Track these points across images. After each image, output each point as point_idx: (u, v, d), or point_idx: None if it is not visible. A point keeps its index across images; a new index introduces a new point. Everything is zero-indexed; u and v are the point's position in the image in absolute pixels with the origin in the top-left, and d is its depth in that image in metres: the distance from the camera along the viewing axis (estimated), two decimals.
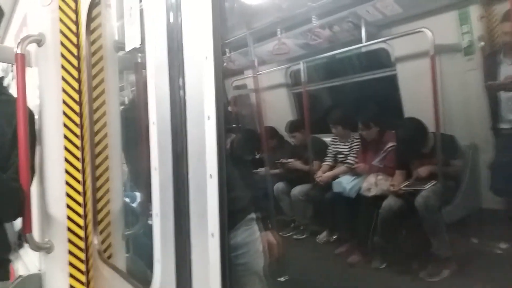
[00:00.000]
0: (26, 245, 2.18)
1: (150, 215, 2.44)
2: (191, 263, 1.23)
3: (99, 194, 2.25)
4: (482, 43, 3.11)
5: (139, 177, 2.47)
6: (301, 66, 4.71)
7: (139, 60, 2.22)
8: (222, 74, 1.06)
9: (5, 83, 2.24)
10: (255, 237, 1.84)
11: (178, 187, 1.29)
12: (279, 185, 4.73)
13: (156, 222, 1.41)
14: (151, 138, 1.42)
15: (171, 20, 1.29)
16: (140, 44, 1.54)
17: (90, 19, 2.16)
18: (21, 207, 1.96)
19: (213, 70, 1.07)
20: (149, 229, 2.43)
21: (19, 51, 2.03)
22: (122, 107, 2.45)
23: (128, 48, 1.64)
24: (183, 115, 1.25)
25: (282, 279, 3.32)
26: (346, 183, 4.02)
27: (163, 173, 1.37)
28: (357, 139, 4.12)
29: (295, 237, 4.48)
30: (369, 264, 3.45)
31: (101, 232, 2.24)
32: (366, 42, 3.82)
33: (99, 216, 2.24)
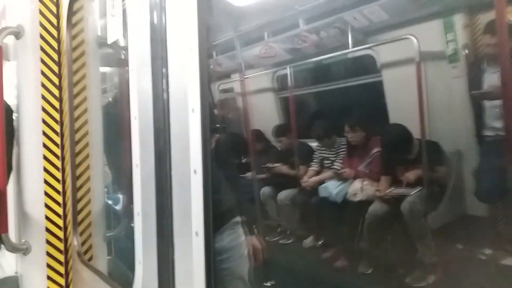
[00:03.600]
0: (1, 246, 2.09)
1: (132, 216, 2.39)
2: (174, 263, 1.17)
3: (79, 194, 2.17)
4: (466, 51, 3.12)
5: (122, 177, 2.40)
6: (287, 70, 4.68)
7: (122, 56, 2.15)
8: (207, 65, 1.01)
9: None
10: (240, 241, 1.80)
11: (161, 185, 1.23)
12: (265, 189, 4.69)
13: (137, 221, 1.35)
14: (132, 133, 1.36)
15: (154, 10, 1.23)
16: (123, 36, 1.48)
17: (71, 12, 2.09)
18: None
19: (198, 61, 1.02)
20: (131, 230, 2.36)
21: None
22: (104, 104, 2.38)
23: (110, 40, 1.58)
24: (166, 109, 1.20)
25: (268, 284, 3.27)
26: (332, 188, 4.00)
27: (145, 170, 1.31)
28: (343, 144, 4.11)
29: (281, 241, 4.45)
30: (356, 269, 3.42)
31: (81, 233, 2.16)
32: (352, 48, 3.82)
33: (80, 217, 2.16)
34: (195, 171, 1.05)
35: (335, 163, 4.28)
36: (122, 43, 1.97)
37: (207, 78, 1.01)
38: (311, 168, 4.55)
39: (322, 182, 4.26)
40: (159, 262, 1.24)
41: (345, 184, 4.01)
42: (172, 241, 1.18)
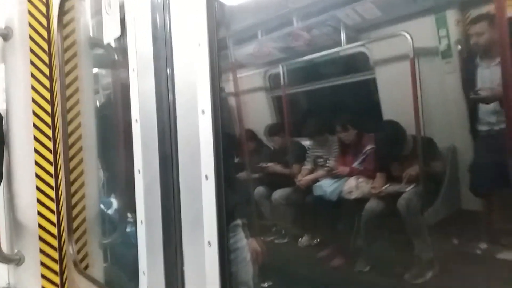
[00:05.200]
0: None
1: (129, 222, 2.31)
2: (184, 275, 1.11)
3: (73, 200, 2.08)
4: (459, 47, 3.11)
5: (118, 182, 2.32)
6: (280, 69, 4.63)
7: (118, 56, 2.07)
8: (218, 62, 0.95)
9: None
10: (242, 244, 1.73)
11: (166, 191, 1.16)
12: (259, 189, 4.63)
13: (141, 230, 1.28)
14: (134, 137, 1.29)
15: (156, 6, 1.16)
16: (120, 35, 1.40)
17: (62, 12, 2.00)
18: None
19: (208, 58, 0.95)
20: (129, 237, 2.28)
21: None
22: (98, 106, 2.30)
23: (107, 40, 1.50)
24: (171, 111, 1.13)
25: (265, 285, 3.21)
26: (326, 187, 3.96)
27: (148, 176, 1.24)
28: (336, 142, 4.07)
29: (276, 241, 4.39)
30: (353, 267, 3.39)
31: (76, 241, 2.08)
32: (345, 45, 3.78)
33: (74, 224, 2.07)
34: (206, 177, 0.99)
35: (328, 161, 4.24)
36: (118, 43, 1.89)
37: (218, 76, 0.94)
38: (304, 166, 4.51)
39: (316, 180, 4.22)
40: (167, 273, 1.17)
41: (339, 182, 3.97)
42: (181, 251, 1.12)
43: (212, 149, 0.97)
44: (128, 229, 2.29)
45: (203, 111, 0.99)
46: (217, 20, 0.95)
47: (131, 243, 2.24)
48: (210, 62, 0.95)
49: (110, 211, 2.66)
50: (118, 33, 1.43)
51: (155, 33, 1.16)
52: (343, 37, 3.91)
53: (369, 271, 3.46)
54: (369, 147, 3.91)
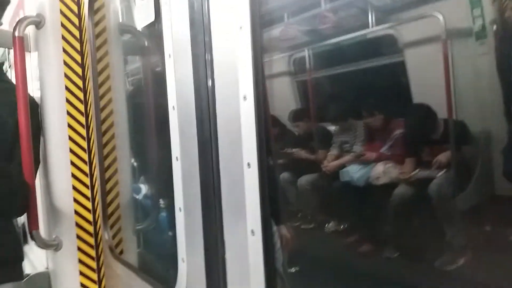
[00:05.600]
0: (32, 243, 2.05)
1: (161, 208, 2.32)
2: (225, 263, 1.09)
3: (107, 187, 2.11)
4: (494, 27, 2.97)
5: (151, 168, 2.33)
6: (305, 52, 4.54)
7: (151, 41, 2.05)
8: (261, 46, 0.91)
9: (4, 69, 2.07)
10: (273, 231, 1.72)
11: (206, 179, 1.15)
12: (285, 175, 4.61)
13: (179, 217, 1.27)
14: (171, 124, 1.28)
15: None
16: (155, 20, 1.38)
17: None
18: (27, 202, 1.82)
19: (251, 42, 0.92)
20: (161, 223, 2.30)
21: (17, 34, 1.86)
22: (130, 93, 2.30)
23: (140, 25, 1.48)
24: (210, 97, 1.10)
25: (292, 270, 3.21)
26: (353, 172, 3.90)
27: (186, 163, 1.23)
28: (363, 127, 3.99)
29: (302, 227, 4.37)
30: (381, 253, 3.34)
31: (111, 227, 2.10)
32: (373, 27, 3.67)
33: (109, 210, 2.10)
34: (249, 165, 0.96)
35: (354, 147, 4.17)
36: (151, 28, 1.87)
37: (261, 61, 0.90)
38: (330, 152, 4.45)
39: (343, 166, 4.16)
40: (207, 261, 1.16)
41: (367, 168, 3.91)
42: (222, 239, 1.10)
43: (255, 137, 0.94)
44: (160, 215, 2.31)
45: (244, 97, 0.96)
46: (260, 1, 0.91)
47: (164, 229, 2.26)
48: (253, 46, 0.91)
49: (140, 197, 2.68)
50: (152, 17, 1.41)
51: (193, 16, 1.13)
52: (371, 19, 3.78)
53: (397, 258, 3.41)
54: (397, 131, 3.81)
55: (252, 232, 0.97)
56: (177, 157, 1.26)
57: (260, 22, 0.92)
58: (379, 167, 3.95)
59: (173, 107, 1.25)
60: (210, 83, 1.10)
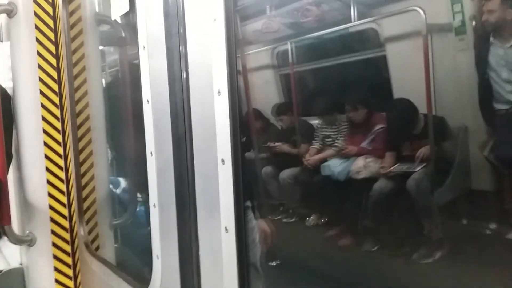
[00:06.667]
0: (4, 238, 1.99)
1: (139, 202, 2.29)
2: (199, 260, 1.08)
3: (83, 181, 2.06)
4: (474, 23, 3.00)
5: (128, 162, 2.28)
6: (288, 46, 4.52)
7: (127, 33, 2.00)
8: (236, 39, 0.89)
9: None
10: (252, 226, 1.70)
11: (180, 175, 1.12)
12: (267, 169, 4.60)
13: (154, 213, 1.25)
14: (145, 119, 1.24)
15: None
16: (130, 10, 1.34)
17: None
18: None
19: (225, 35, 0.89)
20: (138, 218, 2.26)
21: None
22: (107, 86, 2.25)
23: (115, 15, 1.44)
24: (185, 91, 1.07)
25: (273, 263, 3.21)
26: (334, 166, 3.92)
27: (161, 158, 1.20)
28: (345, 122, 4.00)
29: (284, 220, 4.38)
30: (360, 246, 3.38)
31: (87, 222, 2.06)
32: (355, 21, 3.66)
33: (85, 205, 2.06)
34: (223, 161, 0.94)
35: (336, 141, 4.19)
36: (127, 19, 1.82)
37: (235, 54, 0.88)
38: (312, 146, 4.46)
39: (324, 160, 4.17)
40: (181, 258, 1.14)
41: (347, 162, 3.93)
42: (196, 236, 1.08)
43: (229, 132, 0.92)
44: (138, 209, 2.27)
45: (219, 92, 0.94)
46: None
47: (141, 223, 2.23)
48: (227, 39, 0.89)
49: (118, 191, 2.64)
50: (127, 7, 1.37)
51: (167, 8, 1.10)
52: (353, 13, 3.79)
53: (376, 251, 3.45)
54: (379, 126, 3.84)
55: (226, 229, 0.96)
56: (151, 152, 1.23)
57: (236, 14, 0.89)
58: (360, 162, 3.98)
59: (147, 100, 1.22)
60: (184, 76, 1.07)
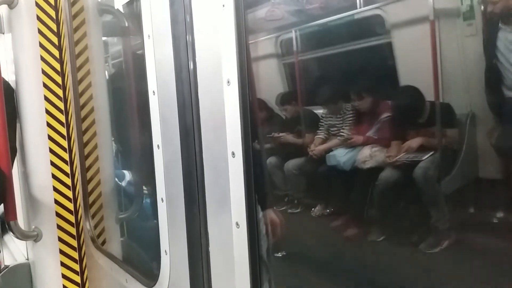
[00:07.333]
0: (10, 233, 1.97)
1: (145, 194, 2.26)
2: (209, 256, 1.04)
3: (88, 175, 2.03)
4: (482, 8, 2.93)
5: (134, 155, 2.25)
6: (292, 34, 4.45)
7: (131, 22, 1.95)
8: (246, 26, 0.84)
9: None
10: (259, 218, 1.67)
11: (189, 168, 1.09)
12: (271, 159, 4.56)
13: (161, 208, 1.22)
14: (151, 110, 1.21)
15: None
16: None
17: None
18: (3, 192, 1.74)
19: (234, 22, 0.85)
20: (145, 211, 2.24)
21: None
22: (110, 77, 2.21)
23: (118, 4, 1.39)
24: (192, 81, 1.03)
25: (279, 254, 3.19)
26: (340, 156, 3.87)
27: (168, 151, 1.16)
28: (350, 110, 3.94)
29: (289, 211, 4.36)
30: (366, 237, 3.35)
31: (93, 216, 2.04)
32: (361, 8, 3.59)
33: (90, 199, 2.03)
34: (233, 154, 0.90)
35: (342, 130, 4.14)
36: (130, 7, 1.77)
37: (246, 42, 0.84)
38: (317, 136, 4.42)
39: (329, 150, 4.13)
40: (190, 254, 1.11)
41: (353, 152, 3.89)
42: (206, 231, 1.05)
43: (239, 124, 0.88)
44: (144, 202, 2.24)
45: (228, 82, 0.89)
46: None
47: (147, 217, 2.20)
48: (237, 26, 0.85)
49: (123, 183, 2.61)
50: None
51: None
52: None
53: (383, 241, 3.41)
54: (385, 114, 3.78)
55: (237, 224, 0.92)
56: (158, 145, 1.19)
57: (246, 0, 0.85)
58: (366, 151, 3.93)
59: (153, 92, 1.18)
60: (191, 66, 1.03)
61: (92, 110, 2.01)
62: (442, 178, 3.26)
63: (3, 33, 2.00)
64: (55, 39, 1.93)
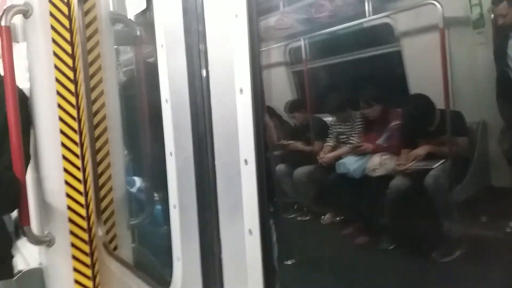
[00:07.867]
0: (23, 239, 2.00)
1: (156, 201, 2.28)
2: (222, 263, 1.05)
3: (100, 181, 2.06)
4: (492, 16, 2.91)
5: (145, 162, 2.27)
6: (301, 42, 4.46)
7: (143, 31, 1.98)
8: (258, 35, 0.86)
9: None
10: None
11: (201, 175, 1.10)
12: (281, 167, 4.56)
13: (174, 214, 1.23)
14: (164, 118, 1.22)
15: None
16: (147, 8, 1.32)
17: None
18: (17, 198, 1.76)
19: (247, 31, 0.86)
20: (156, 218, 2.25)
21: (3, 23, 1.79)
22: (122, 85, 2.23)
23: (131, 14, 1.42)
24: (205, 90, 1.05)
25: (288, 262, 3.19)
26: (349, 164, 3.86)
27: (181, 159, 1.18)
28: (359, 118, 3.94)
29: (298, 218, 4.34)
30: (377, 245, 3.32)
31: (105, 222, 2.06)
32: (370, 16, 3.59)
33: (102, 205, 2.05)
34: (246, 161, 0.92)
35: (351, 138, 4.14)
36: (143, 17, 1.80)
37: (259, 51, 0.85)
38: (327, 144, 4.41)
39: (339, 158, 4.12)
40: (203, 261, 1.12)
41: (363, 160, 3.87)
42: (218, 238, 1.06)
43: (252, 132, 0.89)
44: (155, 208, 2.26)
45: (241, 90, 0.91)
46: None
47: (159, 223, 2.22)
48: (250, 35, 0.86)
49: (134, 190, 2.63)
50: (143, 5, 1.34)
51: (185, 4, 1.07)
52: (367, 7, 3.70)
53: (394, 249, 3.38)
54: (394, 122, 3.76)
55: (250, 231, 0.93)
56: (171, 152, 1.21)
57: (257, 9, 0.86)
58: (376, 159, 3.91)
59: (166, 100, 1.20)
60: (204, 74, 1.04)
61: (104, 118, 2.04)
62: (454, 187, 3.23)
63: (18, 42, 2.03)
64: (68, 48, 1.96)
